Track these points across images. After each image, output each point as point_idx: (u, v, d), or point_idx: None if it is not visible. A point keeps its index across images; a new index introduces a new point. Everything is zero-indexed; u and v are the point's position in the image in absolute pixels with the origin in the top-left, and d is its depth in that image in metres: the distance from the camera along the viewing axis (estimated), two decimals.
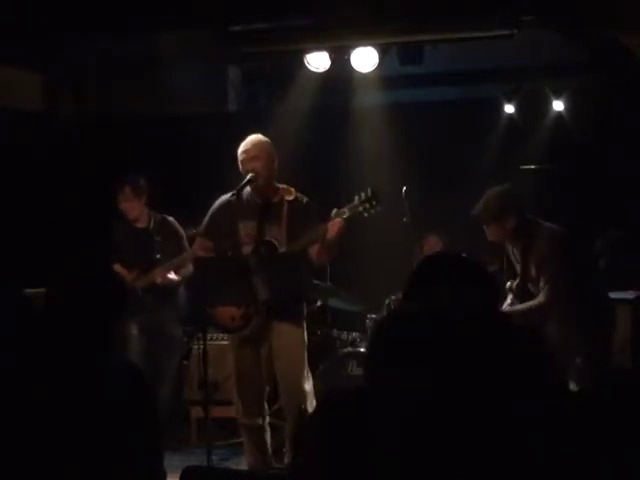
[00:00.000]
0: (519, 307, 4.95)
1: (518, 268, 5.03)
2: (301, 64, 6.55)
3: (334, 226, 4.83)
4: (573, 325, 4.82)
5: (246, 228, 5.04)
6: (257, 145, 5.04)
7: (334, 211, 4.87)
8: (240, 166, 5.03)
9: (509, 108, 7.48)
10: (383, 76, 7.15)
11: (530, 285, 4.97)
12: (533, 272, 4.92)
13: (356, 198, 4.85)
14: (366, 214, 4.84)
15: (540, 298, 4.85)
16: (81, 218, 7.35)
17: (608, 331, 5.00)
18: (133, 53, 7.17)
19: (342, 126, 7.70)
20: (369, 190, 4.85)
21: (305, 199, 5.14)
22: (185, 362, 6.68)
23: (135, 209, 6.14)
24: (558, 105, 7.37)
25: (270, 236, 5.00)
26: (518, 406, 1.58)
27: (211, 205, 5.19)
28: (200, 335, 5.55)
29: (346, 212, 4.84)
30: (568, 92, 7.32)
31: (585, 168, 7.14)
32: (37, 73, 7.70)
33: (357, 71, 6.57)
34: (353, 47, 6.36)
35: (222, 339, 6.33)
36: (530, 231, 4.90)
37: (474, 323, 1.68)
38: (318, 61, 6.44)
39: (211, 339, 5.88)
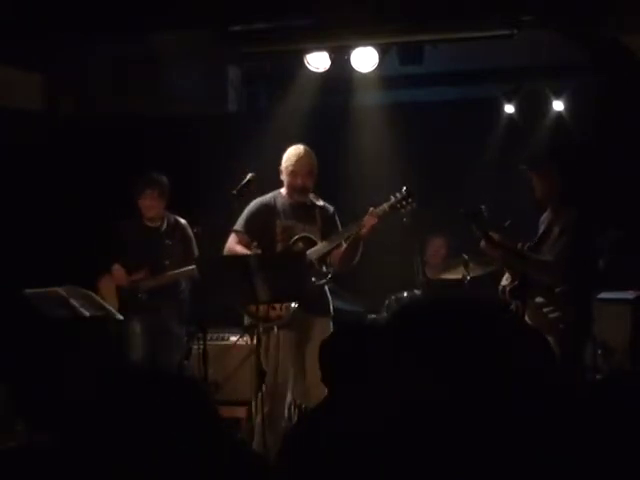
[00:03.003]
0: (535, 256, 5.12)
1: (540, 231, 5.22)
2: (301, 64, 6.54)
3: (369, 222, 5.10)
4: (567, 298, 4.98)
5: (283, 227, 5.30)
6: (312, 161, 5.38)
7: (370, 209, 5.13)
8: (288, 176, 5.27)
9: (509, 108, 7.47)
10: (383, 76, 7.13)
11: (544, 248, 5.13)
12: (555, 234, 5.10)
13: (392, 197, 5.16)
14: (403, 211, 5.15)
15: (551, 257, 5.04)
16: (81, 218, 7.35)
17: (588, 329, 5.18)
18: (133, 53, 7.17)
19: (342, 126, 7.69)
20: (404, 189, 5.16)
21: (332, 208, 5.47)
22: (185, 362, 6.68)
23: (157, 208, 6.19)
24: (558, 105, 7.37)
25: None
26: (518, 406, 1.58)
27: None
28: (200, 335, 5.55)
29: (386, 209, 5.13)
30: (568, 92, 7.31)
31: (585, 168, 7.13)
32: (37, 73, 7.68)
33: (357, 71, 6.57)
34: (353, 47, 6.35)
35: (222, 339, 6.34)
36: (567, 198, 5.19)
37: (474, 323, 1.68)
38: (318, 61, 6.44)
39: (211, 339, 5.87)
